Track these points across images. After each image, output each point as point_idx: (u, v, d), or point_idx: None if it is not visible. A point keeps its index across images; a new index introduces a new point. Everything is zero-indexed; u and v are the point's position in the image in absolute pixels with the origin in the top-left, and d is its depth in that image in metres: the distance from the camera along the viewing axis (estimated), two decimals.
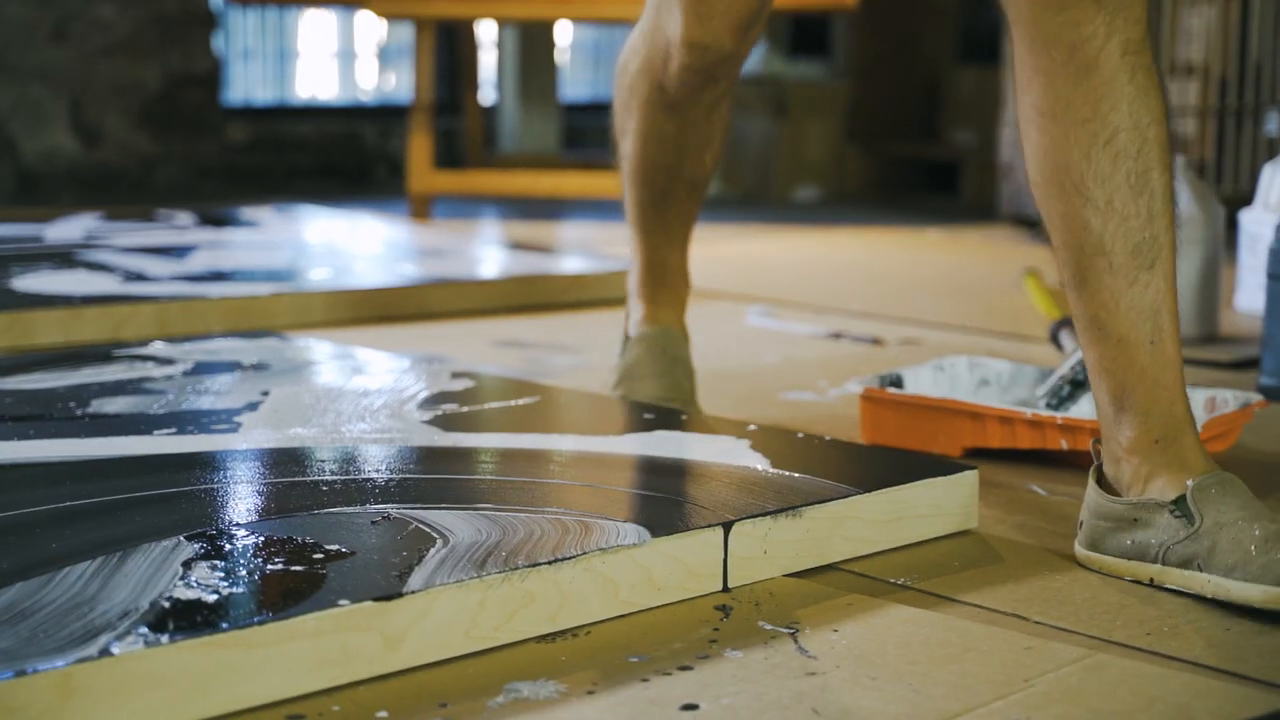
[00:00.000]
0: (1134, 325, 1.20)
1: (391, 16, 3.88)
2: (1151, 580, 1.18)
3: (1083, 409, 1.62)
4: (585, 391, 1.74)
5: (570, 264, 2.88)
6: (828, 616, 1.13)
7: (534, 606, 1.07)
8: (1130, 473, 1.21)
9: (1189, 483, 1.18)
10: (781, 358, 2.17)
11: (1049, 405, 1.64)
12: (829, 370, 2.04)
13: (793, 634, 1.09)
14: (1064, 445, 1.51)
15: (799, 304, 2.62)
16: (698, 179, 1.64)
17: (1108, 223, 1.20)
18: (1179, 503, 1.17)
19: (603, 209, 4.04)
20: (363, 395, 1.59)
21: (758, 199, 4.56)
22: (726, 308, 2.61)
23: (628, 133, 1.62)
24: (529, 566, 1.07)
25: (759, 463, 1.36)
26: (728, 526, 1.18)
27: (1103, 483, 1.24)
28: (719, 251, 3.49)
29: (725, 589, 1.18)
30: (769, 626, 1.11)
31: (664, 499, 1.24)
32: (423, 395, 1.60)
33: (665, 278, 1.70)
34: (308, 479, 1.28)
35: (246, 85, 4.76)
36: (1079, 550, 1.24)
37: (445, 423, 1.49)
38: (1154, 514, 1.18)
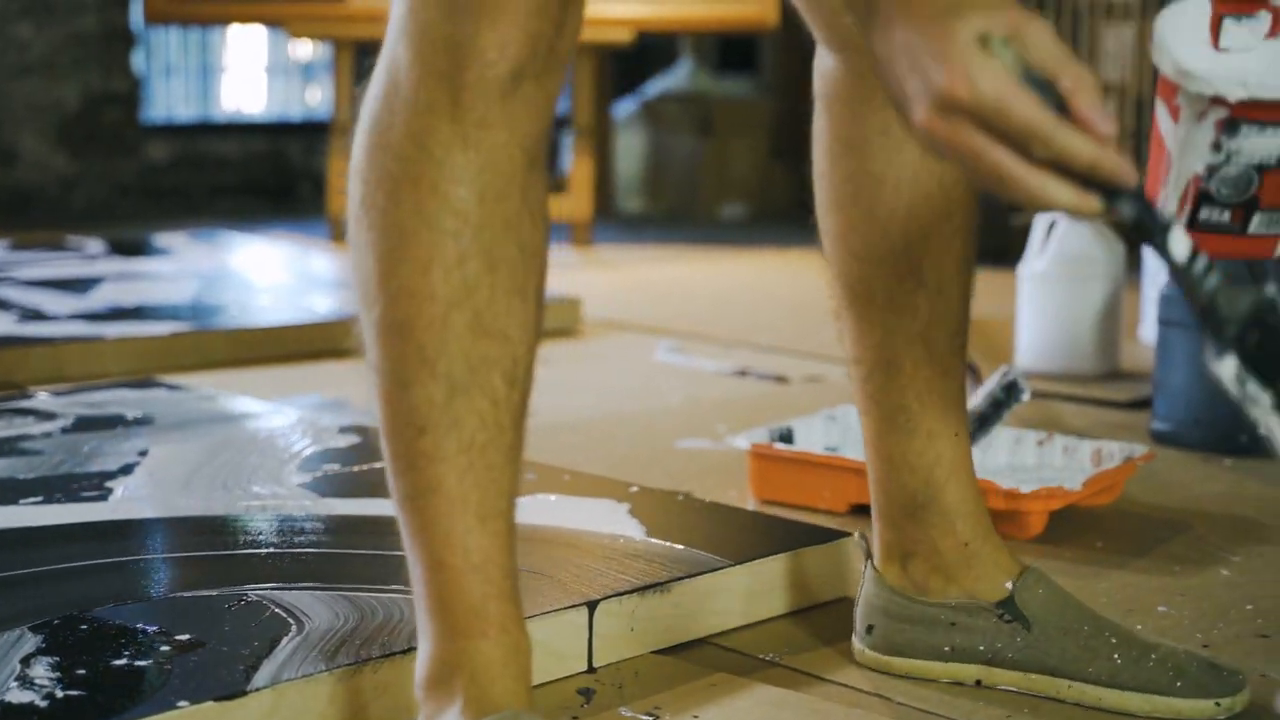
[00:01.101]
0: (942, 417, 1.12)
1: (310, 37, 3.85)
2: (979, 682, 1.14)
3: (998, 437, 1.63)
4: None
5: None
6: (690, 700, 1.12)
7: (386, 698, 1.05)
8: (926, 571, 1.15)
9: (1008, 584, 1.13)
10: (684, 397, 2.16)
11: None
12: (730, 413, 2.03)
13: (653, 719, 1.08)
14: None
15: (709, 337, 2.61)
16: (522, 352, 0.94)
17: (935, 307, 1.11)
18: (1005, 605, 1.13)
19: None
20: (243, 455, 1.57)
21: (683, 216, 4.56)
22: (637, 341, 2.60)
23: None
24: (382, 657, 1.05)
25: (635, 530, 1.35)
26: (593, 606, 1.17)
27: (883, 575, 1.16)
28: (638, 276, 3.49)
29: (590, 669, 1.17)
30: (629, 713, 1.09)
31: (530, 574, 1.23)
32: (305, 454, 1.57)
33: (489, 615, 0.93)
34: (169, 556, 1.26)
35: (169, 102, 4.71)
36: (868, 654, 1.17)
37: (324, 487, 1.46)
38: (976, 617, 1.13)
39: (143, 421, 1.70)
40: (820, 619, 1.28)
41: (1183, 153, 0.95)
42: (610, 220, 4.50)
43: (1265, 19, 1.01)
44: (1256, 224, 0.96)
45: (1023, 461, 1.67)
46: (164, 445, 1.60)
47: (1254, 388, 0.73)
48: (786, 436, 1.66)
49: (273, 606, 1.14)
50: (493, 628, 0.91)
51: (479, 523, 0.89)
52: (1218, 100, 0.92)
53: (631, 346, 2.57)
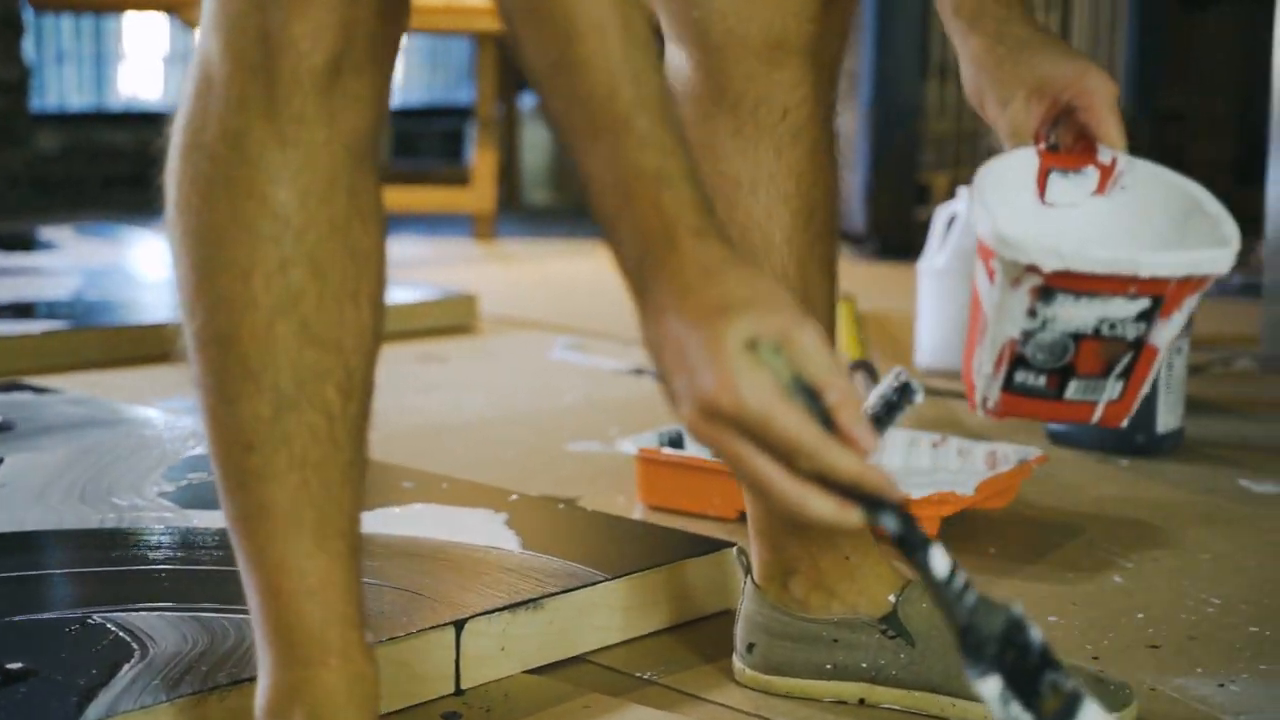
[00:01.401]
0: None
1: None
2: (862, 700, 1.10)
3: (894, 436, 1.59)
4: None
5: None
6: None
7: None
8: (807, 587, 1.11)
9: (892, 598, 1.10)
10: (580, 397, 2.11)
11: None
12: (625, 414, 1.98)
13: None
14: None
15: (608, 334, 2.56)
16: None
17: None
18: (888, 621, 1.10)
19: (436, 224, 3.95)
20: (105, 463, 1.49)
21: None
22: (534, 339, 2.54)
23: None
24: (230, 685, 0.99)
25: (511, 542, 1.29)
26: (460, 625, 1.11)
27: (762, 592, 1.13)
28: (540, 272, 3.43)
29: (457, 692, 1.11)
30: None
31: (395, 590, 1.17)
32: (169, 461, 1.50)
33: (330, 642, 0.86)
34: (7, 575, 1.19)
35: (61, 90, 4.58)
36: (748, 673, 1.13)
37: (187, 497, 1.39)
38: (859, 633, 1.10)
39: (2, 428, 1.62)
40: (703, 634, 1.23)
41: (999, 316, 0.94)
42: (516, 213, 4.44)
43: (1092, 175, 1.00)
44: (1072, 390, 0.95)
45: (917, 464, 1.63)
46: (21, 453, 1.52)
47: (1017, 709, 0.72)
48: (676, 441, 1.61)
49: (116, 630, 1.07)
50: (333, 656, 0.85)
51: (315, 545, 0.83)
52: (1032, 268, 0.90)
53: (528, 344, 2.51)
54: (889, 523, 0.72)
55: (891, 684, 1.10)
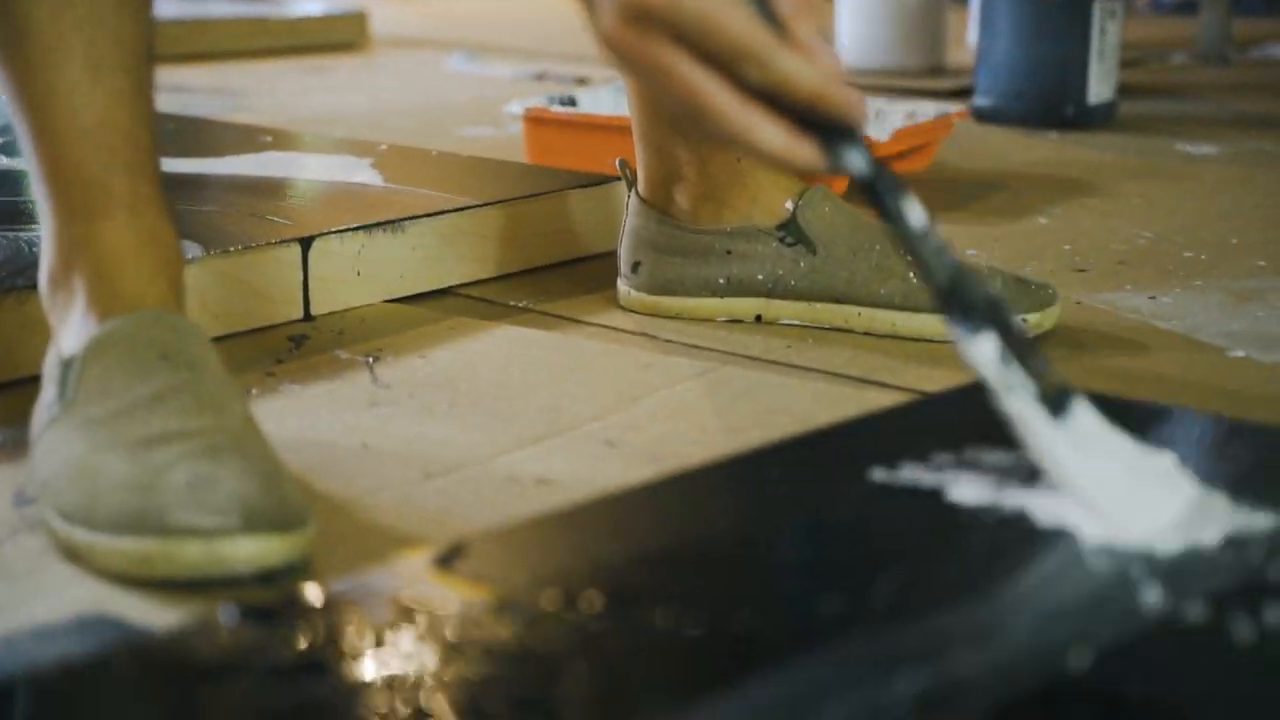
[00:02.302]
0: None
1: None
2: (759, 317, 0.99)
3: None
4: (209, 120, 1.51)
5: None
6: (422, 342, 0.95)
7: (39, 337, 0.86)
8: (696, 197, 0.99)
9: (789, 205, 0.99)
10: (474, 97, 1.96)
11: None
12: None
13: (370, 363, 0.91)
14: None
15: (509, 49, 2.40)
16: None
17: None
18: (787, 228, 0.99)
19: None
20: None
21: None
22: (426, 56, 2.38)
23: None
24: (27, 288, 0.86)
25: (374, 179, 1.16)
26: (306, 243, 0.98)
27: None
28: (441, 6, 3.25)
29: (308, 317, 0.99)
30: (346, 356, 0.92)
31: (238, 214, 1.04)
32: None
33: (114, 191, 0.73)
34: None
35: None
36: (634, 295, 1.01)
37: None
38: (754, 243, 0.98)
39: None
40: (588, 270, 1.11)
41: None
42: None
43: None
44: None
45: None
46: None
47: (1017, 372, 0.59)
48: (569, 103, 1.47)
49: None
50: (120, 209, 0.72)
51: (88, 77, 0.70)
52: None
53: (423, 59, 2.35)
54: (854, 160, 0.58)
55: (791, 296, 0.99)
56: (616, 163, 1.04)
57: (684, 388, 0.87)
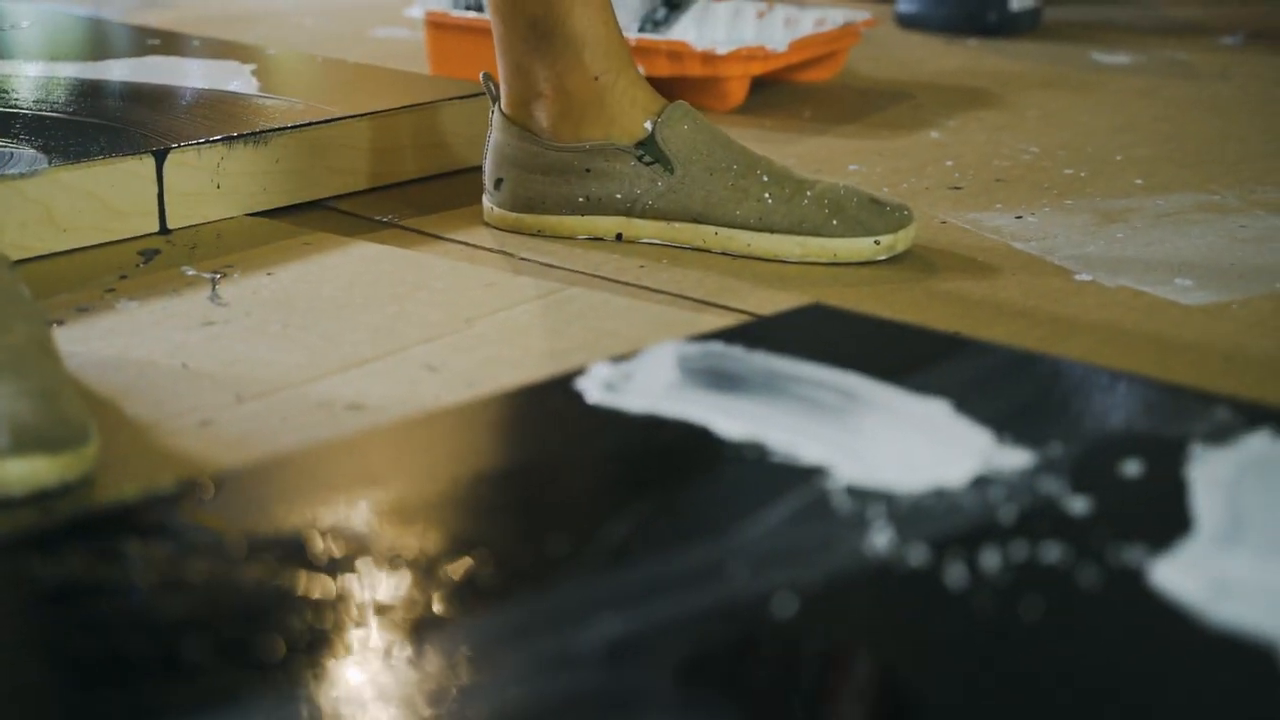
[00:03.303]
0: None
1: None
2: (619, 236, 0.99)
3: (685, 31, 1.44)
4: (104, 21, 1.49)
5: None
6: (273, 259, 0.94)
7: None
8: (555, 113, 0.98)
9: (648, 124, 0.98)
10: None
11: (643, 30, 1.45)
12: None
13: (215, 280, 0.91)
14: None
15: None
16: None
17: None
18: (645, 146, 0.98)
19: None
20: None
21: None
22: None
23: None
24: None
25: (249, 87, 1.15)
26: (161, 155, 0.98)
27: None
28: None
29: (164, 230, 0.98)
30: (193, 273, 0.92)
31: (95, 123, 1.03)
32: None
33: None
34: None
35: None
36: (496, 211, 1.01)
37: None
38: (613, 161, 0.98)
39: None
40: (462, 185, 1.10)
41: None
42: None
43: None
44: None
45: (740, 36, 1.49)
46: None
47: None
48: (475, 8, 1.45)
49: None
50: None
51: None
52: None
53: None
54: None
55: (649, 215, 0.98)
56: (481, 76, 1.03)
57: (523, 310, 0.87)
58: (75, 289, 0.88)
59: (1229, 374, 0.76)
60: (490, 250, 0.98)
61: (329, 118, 1.06)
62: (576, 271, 0.94)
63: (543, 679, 0.44)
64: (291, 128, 1.04)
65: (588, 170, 0.98)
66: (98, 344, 0.81)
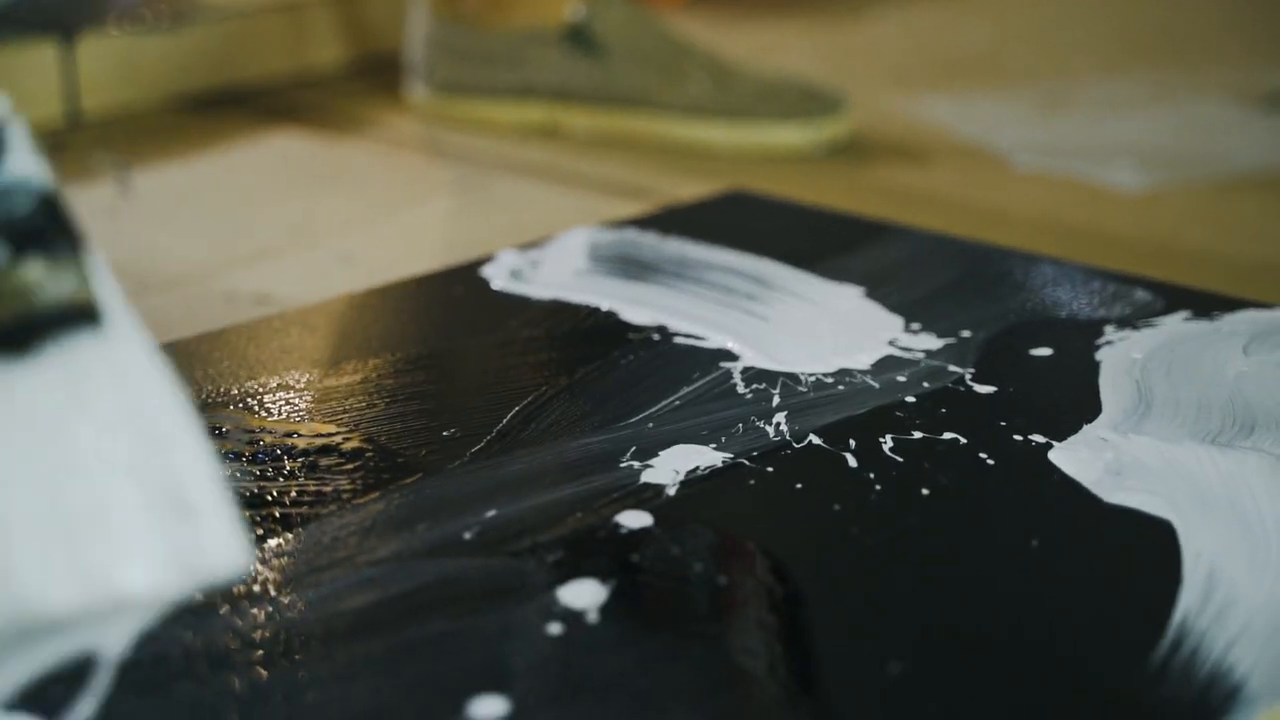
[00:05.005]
0: None
1: None
2: (549, 125, 0.95)
3: None
4: None
5: None
6: (189, 149, 0.91)
7: None
8: (483, 1, 0.96)
9: (580, 10, 0.94)
10: None
11: None
12: None
13: (124, 170, 0.88)
14: None
15: None
16: None
17: None
18: (577, 33, 0.95)
19: None
20: None
21: None
22: None
23: None
24: None
25: None
26: (71, 39, 0.94)
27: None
28: None
29: (77, 118, 0.95)
30: (101, 161, 0.89)
31: (7, 13, 0.99)
32: None
33: None
34: None
35: None
36: (422, 99, 0.98)
37: None
38: (544, 48, 0.94)
39: None
40: (386, 73, 1.07)
41: None
42: None
43: None
44: None
45: None
46: None
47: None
48: None
49: None
50: None
51: None
52: None
53: None
54: None
55: (580, 103, 0.95)
56: None
57: (442, 202, 0.84)
58: None
59: (1160, 263, 0.74)
60: (413, 142, 0.95)
61: (247, 8, 1.02)
62: (501, 162, 0.91)
63: (421, 563, 0.42)
64: (210, 13, 1.00)
65: (516, 58, 0.95)
66: None
